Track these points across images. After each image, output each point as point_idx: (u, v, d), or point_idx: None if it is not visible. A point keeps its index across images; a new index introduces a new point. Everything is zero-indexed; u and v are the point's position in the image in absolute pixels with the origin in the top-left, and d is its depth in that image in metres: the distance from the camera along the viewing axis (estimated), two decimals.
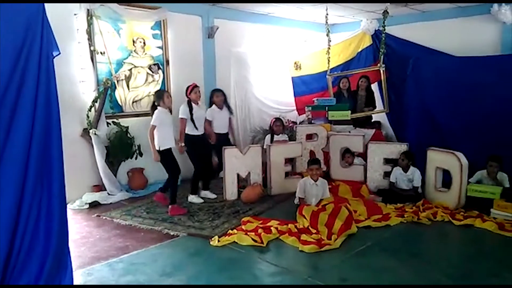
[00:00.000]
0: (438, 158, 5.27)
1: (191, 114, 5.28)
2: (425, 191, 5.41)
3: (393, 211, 4.90)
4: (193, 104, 5.36)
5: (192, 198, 5.48)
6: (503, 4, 6.18)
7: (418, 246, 4.14)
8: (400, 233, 4.37)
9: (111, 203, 5.41)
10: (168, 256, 3.82)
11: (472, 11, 6.65)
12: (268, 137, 6.37)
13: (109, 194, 5.53)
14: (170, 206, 4.98)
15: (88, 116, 5.43)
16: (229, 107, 5.95)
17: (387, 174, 5.67)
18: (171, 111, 5.21)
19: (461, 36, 6.75)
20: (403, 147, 5.63)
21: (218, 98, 5.79)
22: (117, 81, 5.82)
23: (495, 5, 6.24)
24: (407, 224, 4.59)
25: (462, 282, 3.30)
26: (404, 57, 6.61)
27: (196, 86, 5.39)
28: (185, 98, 5.39)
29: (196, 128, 5.35)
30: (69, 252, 2.78)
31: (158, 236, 4.28)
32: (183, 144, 5.26)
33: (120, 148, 5.66)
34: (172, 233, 4.33)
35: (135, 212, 5.05)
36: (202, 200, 5.45)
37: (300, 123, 7.15)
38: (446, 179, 5.23)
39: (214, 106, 5.80)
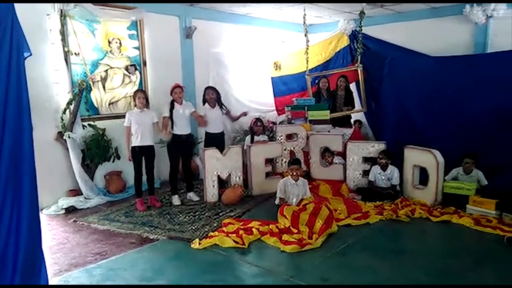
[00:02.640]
0: (415, 156, 5.37)
1: (171, 113, 5.26)
2: (403, 188, 5.50)
3: (372, 209, 4.96)
4: (176, 104, 5.31)
5: (172, 199, 5.44)
6: (475, 5, 6.34)
7: (397, 243, 4.20)
8: (379, 231, 4.42)
9: (88, 207, 5.28)
10: (148, 260, 3.75)
11: (445, 12, 6.80)
12: (248, 137, 6.37)
13: (86, 198, 5.40)
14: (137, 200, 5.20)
15: (62, 119, 5.30)
16: (221, 106, 5.88)
17: (366, 173, 5.75)
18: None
19: (435, 36, 6.89)
20: (381, 146, 5.71)
21: (209, 96, 5.75)
22: (93, 82, 5.69)
23: (467, 6, 6.40)
24: (386, 222, 4.65)
25: (440, 278, 3.35)
26: (380, 57, 6.72)
27: (177, 86, 5.34)
28: (170, 97, 5.40)
29: (175, 128, 5.31)
30: (43, 259, 2.68)
31: (138, 240, 4.20)
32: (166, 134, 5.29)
33: (96, 151, 5.53)
34: (151, 237, 4.26)
35: (113, 216, 4.94)
36: (179, 202, 5.39)
37: (279, 123, 7.16)
38: (423, 176, 5.34)
39: (206, 104, 5.77)
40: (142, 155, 5.18)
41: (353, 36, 7.45)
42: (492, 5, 6.17)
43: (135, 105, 5.19)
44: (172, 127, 5.32)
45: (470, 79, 5.64)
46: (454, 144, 5.48)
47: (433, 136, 5.72)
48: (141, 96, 5.14)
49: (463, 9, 6.45)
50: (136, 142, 5.10)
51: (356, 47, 7.23)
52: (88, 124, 5.59)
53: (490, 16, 6.30)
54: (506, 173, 5.23)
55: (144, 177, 5.28)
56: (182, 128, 5.37)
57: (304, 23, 6.99)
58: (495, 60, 5.64)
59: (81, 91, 5.36)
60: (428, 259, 3.73)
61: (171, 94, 5.35)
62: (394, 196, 5.30)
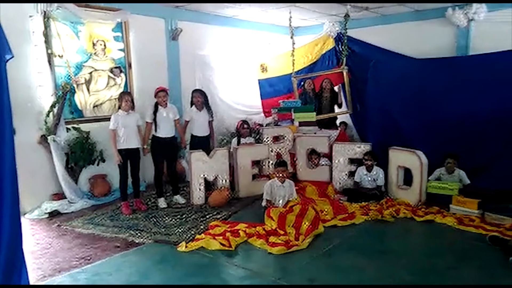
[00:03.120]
0: (399, 157, 5.44)
1: (155, 116, 5.24)
2: (388, 189, 5.57)
3: (358, 209, 5.01)
4: (160, 107, 5.28)
5: (158, 202, 5.41)
6: (457, 8, 6.46)
7: (383, 243, 4.24)
8: (365, 231, 4.47)
9: (72, 211, 5.20)
10: (134, 264, 3.72)
11: (428, 15, 6.92)
12: (234, 140, 6.36)
13: (70, 202, 5.32)
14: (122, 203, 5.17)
15: (46, 122, 5.22)
16: (209, 109, 5.85)
17: (352, 174, 5.79)
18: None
19: (419, 39, 7.00)
20: (367, 147, 5.77)
21: (196, 98, 5.73)
22: (77, 85, 5.62)
23: (449, 9, 6.52)
24: (372, 222, 4.71)
25: (424, 277, 3.40)
26: (365, 59, 6.80)
27: (161, 90, 5.31)
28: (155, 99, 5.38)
29: (159, 130, 5.28)
30: (23, 260, 2.63)
31: (123, 244, 4.15)
32: (145, 146, 5.29)
33: (81, 154, 5.47)
34: (137, 241, 4.22)
35: (98, 220, 4.88)
36: (166, 205, 5.36)
37: (266, 125, 7.18)
38: (408, 177, 5.41)
39: (193, 106, 5.73)
40: (128, 158, 5.13)
41: (338, 38, 7.52)
42: (474, 8, 6.29)
43: (119, 107, 5.14)
44: (155, 130, 5.29)
45: (453, 81, 5.74)
46: (438, 145, 5.56)
47: (417, 137, 5.79)
48: (127, 98, 5.10)
49: (446, 12, 6.57)
50: (122, 145, 5.05)
51: (341, 49, 7.30)
52: (72, 127, 5.52)
53: (472, 19, 6.42)
54: (488, 173, 5.33)
55: (130, 180, 5.25)
56: (166, 130, 5.34)
57: (290, 25, 7.03)
58: (477, 62, 5.76)
59: (65, 94, 5.29)
60: (412, 258, 3.78)
61: (155, 97, 5.32)
62: (379, 196, 5.36)
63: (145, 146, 5.31)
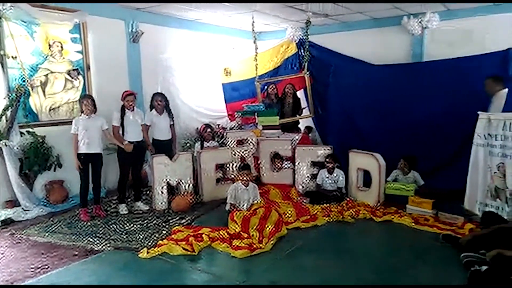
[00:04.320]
0: (359, 160, 5.61)
1: (122, 120, 5.15)
2: (348, 191, 5.71)
3: (320, 211, 5.10)
4: (127, 111, 5.17)
5: (119, 208, 5.27)
6: (412, 16, 6.76)
7: (343, 243, 4.35)
8: (326, 232, 4.57)
9: (27, 219, 4.98)
10: (93, 272, 3.60)
11: (385, 23, 7.19)
12: (198, 144, 6.32)
13: (24, 209, 5.09)
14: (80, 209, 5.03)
15: None
16: (170, 113, 5.77)
17: (314, 177, 5.90)
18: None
19: (376, 45, 7.25)
20: (328, 150, 5.90)
21: (157, 102, 5.63)
22: (32, 87, 5.40)
23: (405, 17, 6.80)
24: (333, 223, 4.82)
25: (383, 275, 3.51)
26: (326, 65, 6.99)
27: (129, 94, 5.22)
28: (118, 103, 5.27)
29: (126, 134, 5.19)
30: None
31: (82, 252, 4.01)
32: (126, 142, 5.16)
33: (35, 159, 5.24)
34: (96, 248, 4.09)
35: (55, 227, 4.70)
36: (127, 211, 5.25)
37: (230, 129, 7.19)
38: (367, 179, 5.58)
39: (153, 110, 5.63)
40: (89, 163, 4.98)
41: (301, 44, 7.66)
42: (427, 16, 6.59)
43: (82, 111, 4.98)
44: (123, 134, 5.18)
45: (408, 87, 6.01)
46: (395, 148, 5.78)
47: (376, 141, 6.01)
48: (87, 101, 4.95)
49: (402, 21, 6.85)
50: (82, 149, 4.90)
51: (303, 54, 7.44)
52: (27, 131, 5.29)
53: (426, 27, 6.73)
54: (442, 174, 5.60)
55: (90, 186, 5.09)
56: (133, 135, 5.24)
57: (253, 30, 7.08)
58: (431, 68, 6.07)
59: (18, 97, 5.08)
60: (372, 257, 3.90)
61: (122, 101, 5.21)
62: (340, 198, 5.50)
63: (127, 149, 5.17)
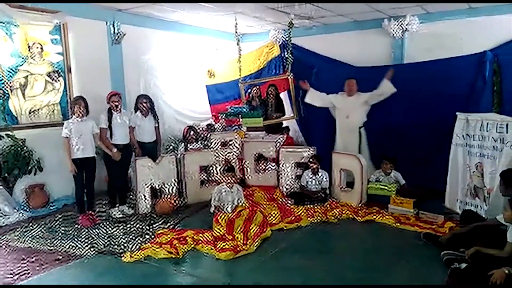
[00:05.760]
0: (341, 161, 5.67)
1: (109, 122, 5.09)
2: (332, 191, 5.77)
3: (304, 212, 5.13)
4: (114, 112, 5.12)
5: (112, 211, 5.22)
6: (392, 19, 6.87)
7: (327, 244, 4.41)
8: (310, 233, 4.61)
9: (6, 224, 4.87)
10: (75, 277, 3.56)
11: (366, 25, 7.28)
12: (182, 146, 6.28)
13: (3, 214, 4.98)
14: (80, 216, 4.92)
15: None
16: (155, 115, 5.73)
17: (298, 178, 5.94)
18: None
19: (358, 47, 7.33)
20: (312, 151, 5.94)
21: (141, 104, 5.58)
22: (11, 89, 5.29)
23: (386, 20, 6.91)
24: (317, 224, 4.86)
25: (366, 274, 3.56)
26: (308, 66, 7.03)
27: (114, 94, 5.16)
28: (103, 105, 5.20)
29: (113, 137, 5.14)
30: None
31: (63, 257, 3.95)
32: (115, 150, 5.09)
33: (15, 163, 5.13)
34: (79, 253, 4.03)
35: (36, 233, 4.60)
36: (120, 215, 5.19)
37: (214, 131, 7.16)
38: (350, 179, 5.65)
39: (138, 112, 5.57)
40: (83, 168, 4.89)
41: (283, 46, 7.70)
42: (407, 19, 6.71)
43: (73, 114, 4.87)
44: (110, 137, 5.12)
45: None
46: (377, 148, 5.87)
47: None
48: (80, 103, 4.84)
49: (382, 23, 6.95)
50: (77, 154, 4.80)
51: (286, 56, 7.48)
52: (6, 134, 5.17)
53: (406, 30, 6.85)
54: (423, 174, 5.71)
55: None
56: (121, 137, 5.20)
57: (236, 32, 7.09)
58: (410, 70, 6.19)
59: None
60: (355, 256, 3.96)
61: (108, 103, 5.14)
62: (324, 199, 5.54)
63: (114, 150, 5.10)
